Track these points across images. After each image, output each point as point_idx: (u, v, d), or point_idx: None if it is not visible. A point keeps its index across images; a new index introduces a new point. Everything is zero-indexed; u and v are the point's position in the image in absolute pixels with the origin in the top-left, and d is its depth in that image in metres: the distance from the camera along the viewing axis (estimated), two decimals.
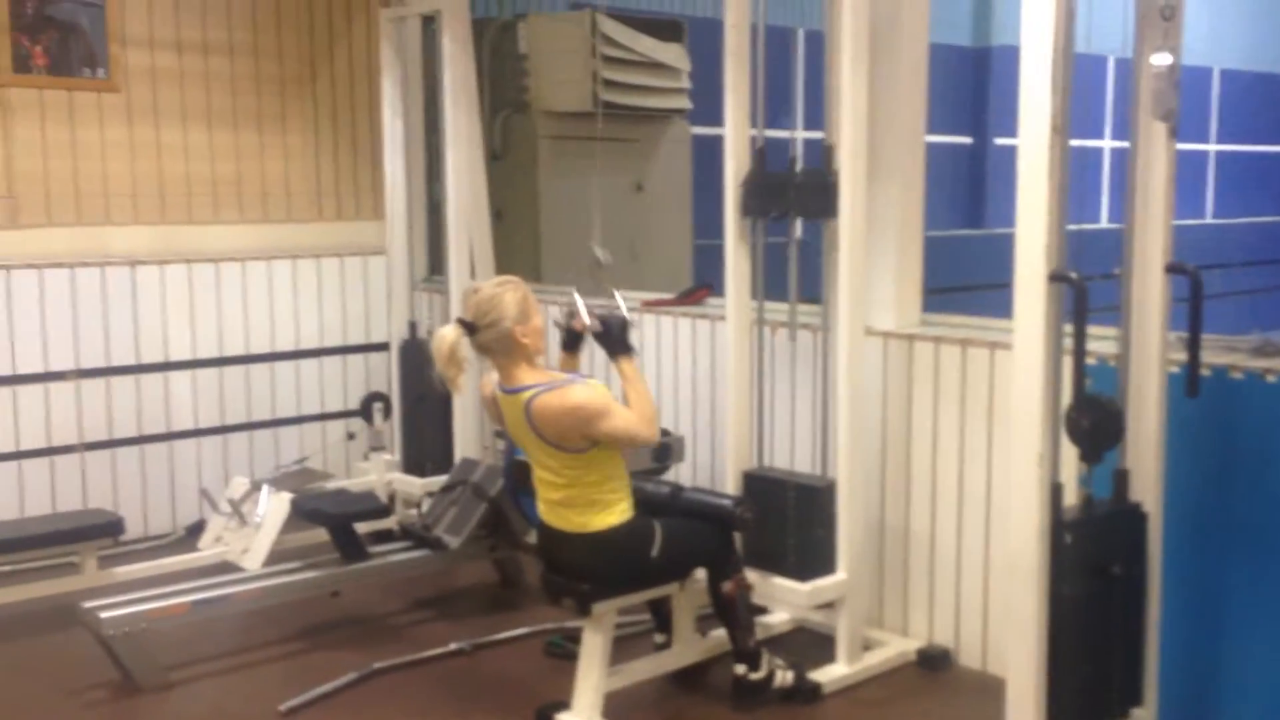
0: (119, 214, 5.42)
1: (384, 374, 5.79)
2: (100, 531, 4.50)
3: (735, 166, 3.94)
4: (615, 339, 3.55)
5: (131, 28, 5.36)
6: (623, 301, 3.71)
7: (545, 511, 3.53)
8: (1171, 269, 2.92)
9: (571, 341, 3.67)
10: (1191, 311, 2.91)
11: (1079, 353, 2.77)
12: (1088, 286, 2.71)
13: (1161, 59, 2.82)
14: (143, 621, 3.87)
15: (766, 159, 3.93)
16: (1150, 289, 2.94)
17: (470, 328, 3.38)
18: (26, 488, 5.13)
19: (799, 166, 3.89)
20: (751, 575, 3.77)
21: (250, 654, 4.17)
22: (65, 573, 4.50)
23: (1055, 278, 2.69)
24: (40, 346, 5.12)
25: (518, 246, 5.93)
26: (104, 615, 3.82)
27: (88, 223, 5.34)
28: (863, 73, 3.69)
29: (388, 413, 5.46)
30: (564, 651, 4.05)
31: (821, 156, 3.82)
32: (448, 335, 3.36)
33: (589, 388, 3.37)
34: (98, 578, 4.43)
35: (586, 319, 3.59)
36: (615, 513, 3.45)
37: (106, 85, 5.34)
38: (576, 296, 3.68)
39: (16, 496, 5.10)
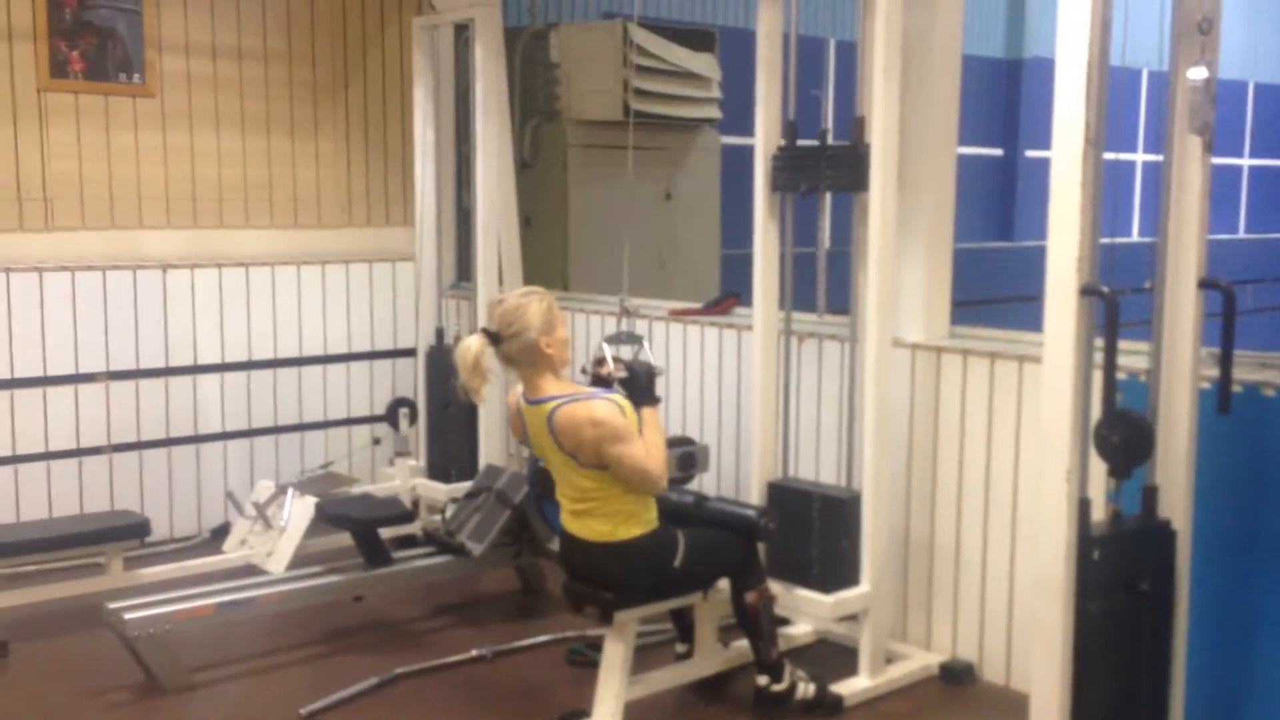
0: (152, 218, 5.47)
1: (410, 380, 5.81)
2: (126, 533, 4.52)
3: (765, 175, 3.93)
4: (641, 388, 3.55)
5: (167, 33, 5.41)
6: (649, 350, 3.76)
7: (569, 520, 3.53)
8: (1204, 284, 2.89)
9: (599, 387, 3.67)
10: (1225, 326, 2.88)
11: (1110, 367, 2.74)
12: (1119, 301, 2.69)
13: (1198, 73, 2.80)
14: (167, 623, 3.88)
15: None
16: (1183, 303, 2.91)
17: (495, 338, 3.38)
18: (55, 488, 5.17)
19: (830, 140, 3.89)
20: (775, 586, 3.76)
21: (273, 657, 4.18)
22: (91, 573, 4.53)
23: (1087, 291, 2.67)
24: (71, 348, 5.17)
25: (546, 254, 5.94)
26: (129, 616, 3.84)
27: (121, 226, 5.39)
28: (895, 83, 3.68)
29: (413, 419, 5.47)
30: (585, 659, 4.05)
31: (850, 129, 3.82)
32: (472, 345, 3.36)
33: (614, 405, 3.35)
34: (123, 579, 4.46)
35: (612, 365, 3.60)
36: (639, 523, 3.44)
37: (142, 90, 5.39)
38: (605, 346, 3.73)
39: (45, 497, 5.14)
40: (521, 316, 3.36)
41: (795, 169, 3.89)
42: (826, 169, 3.84)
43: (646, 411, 3.49)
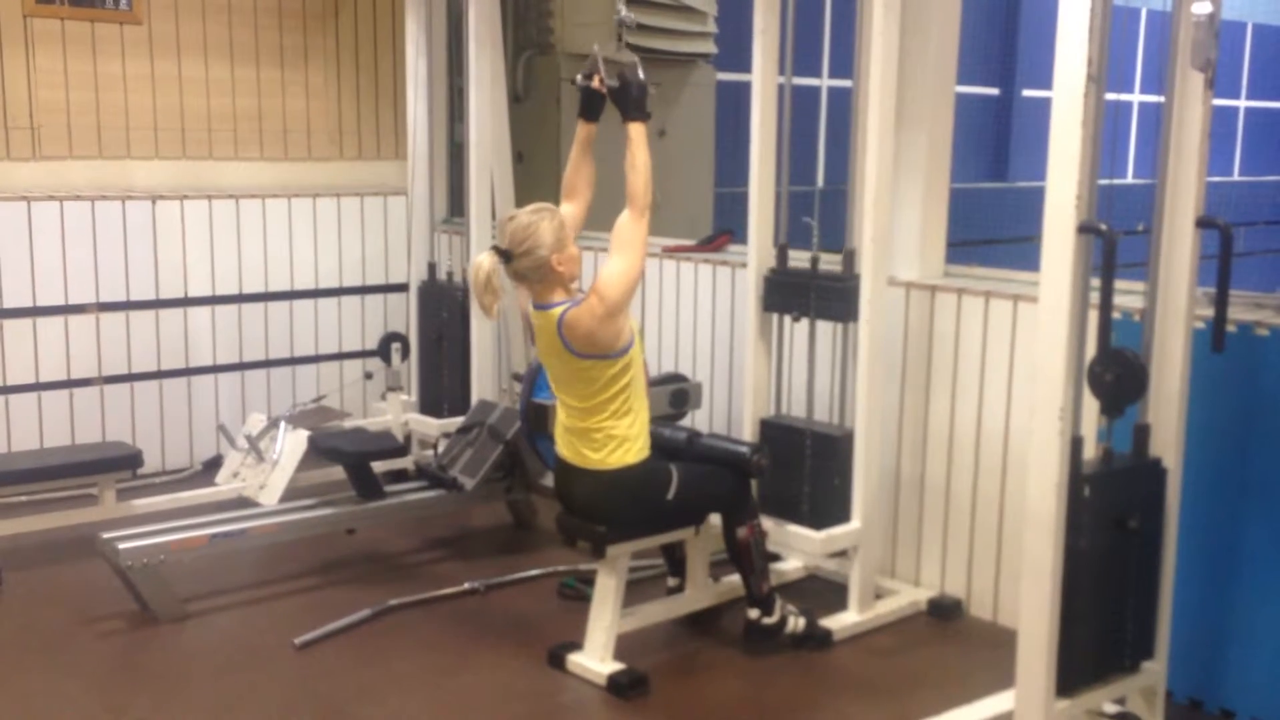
0: (140, 148, 5.41)
1: (402, 315, 5.79)
2: (119, 464, 4.53)
3: (762, 114, 3.90)
4: (632, 99, 3.50)
5: None
6: (643, 72, 3.58)
7: (562, 446, 3.53)
8: (1202, 223, 2.88)
9: (590, 105, 3.58)
10: (1221, 266, 2.88)
11: (1106, 306, 2.74)
12: (1117, 239, 2.68)
13: (1202, 7, 2.77)
14: (160, 554, 3.90)
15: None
16: (1180, 243, 2.90)
17: (506, 255, 3.36)
18: (46, 419, 5.16)
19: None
20: (766, 522, 3.78)
21: (266, 588, 4.21)
22: (83, 504, 4.54)
23: (1085, 229, 2.65)
24: (60, 279, 5.13)
25: (539, 189, 5.88)
26: (122, 547, 3.86)
27: (109, 156, 5.34)
28: (894, 18, 3.64)
29: (405, 353, 5.46)
30: (576, 593, 4.08)
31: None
32: (484, 263, 3.34)
33: (603, 277, 3.34)
34: (115, 510, 4.47)
35: (605, 74, 3.50)
36: (632, 451, 3.45)
37: (129, 17, 5.31)
38: (596, 50, 3.57)
39: (36, 428, 5.14)
40: (534, 234, 3.34)
41: (787, 293, 3.94)
42: (816, 298, 3.89)
43: (634, 127, 3.47)
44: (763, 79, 3.89)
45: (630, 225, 3.42)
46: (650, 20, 6.01)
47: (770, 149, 3.94)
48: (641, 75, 3.55)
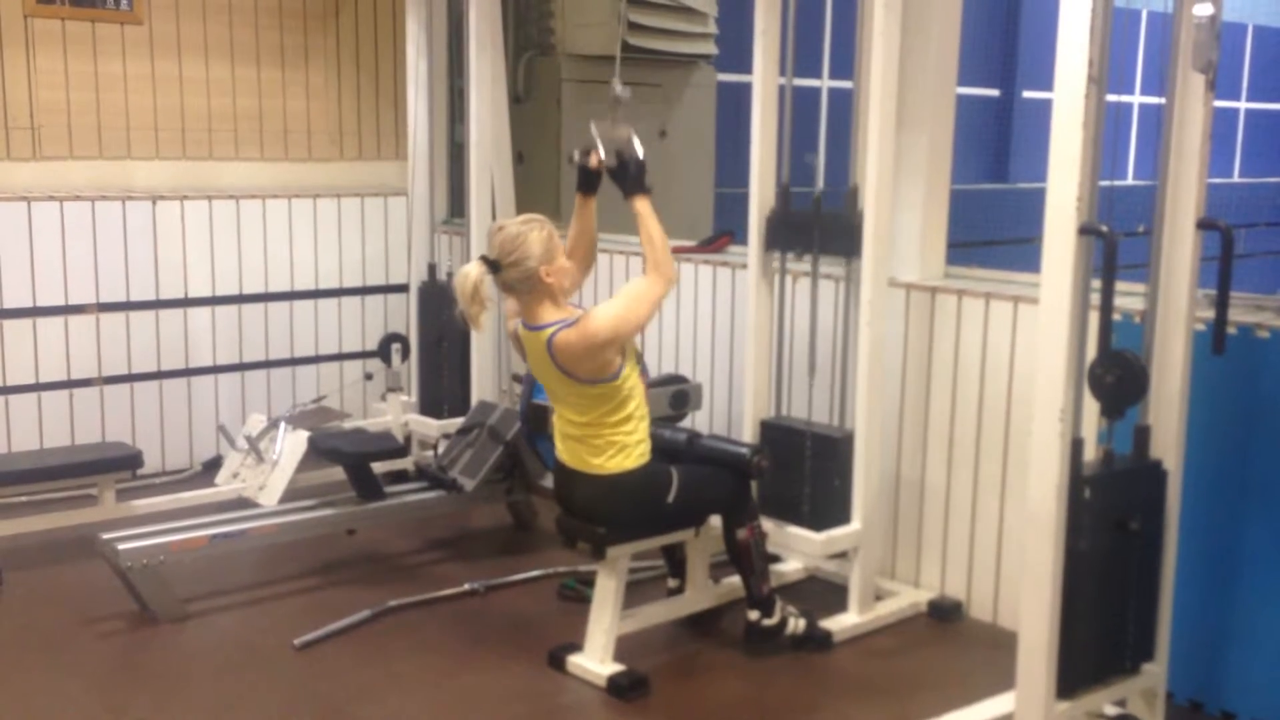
0: (140, 148, 5.41)
1: (403, 315, 5.79)
2: (119, 464, 4.52)
3: (763, 115, 3.90)
4: (632, 177, 3.48)
5: None
6: (639, 143, 3.56)
7: (562, 451, 3.53)
8: (1203, 224, 2.88)
9: (587, 182, 3.57)
10: (1222, 267, 2.87)
11: (1106, 307, 2.74)
12: (1117, 241, 2.68)
13: (1203, 9, 2.76)
14: (160, 554, 3.90)
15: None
16: (1180, 244, 2.90)
17: (494, 266, 3.35)
18: (46, 420, 5.16)
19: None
20: (766, 523, 3.78)
21: (266, 589, 4.21)
22: (83, 504, 4.54)
23: (1086, 230, 2.65)
24: (60, 279, 5.13)
25: (539, 190, 5.90)
26: (122, 547, 3.85)
27: (109, 156, 5.34)
28: (895, 19, 3.64)
29: (406, 354, 5.46)
30: (576, 594, 4.08)
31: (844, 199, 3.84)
32: (471, 273, 3.33)
33: (597, 311, 3.34)
34: (115, 510, 4.47)
35: (603, 154, 3.49)
36: (632, 456, 3.45)
37: (129, 17, 5.31)
38: (594, 130, 3.55)
39: (36, 428, 5.14)
40: (522, 245, 3.33)
41: (789, 232, 3.91)
42: (820, 235, 3.86)
43: (640, 202, 3.46)
44: (763, 80, 3.89)
45: (644, 282, 3.40)
46: (651, 21, 6.01)
47: (771, 150, 3.93)
48: (638, 148, 3.53)
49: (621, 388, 3.40)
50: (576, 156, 3.56)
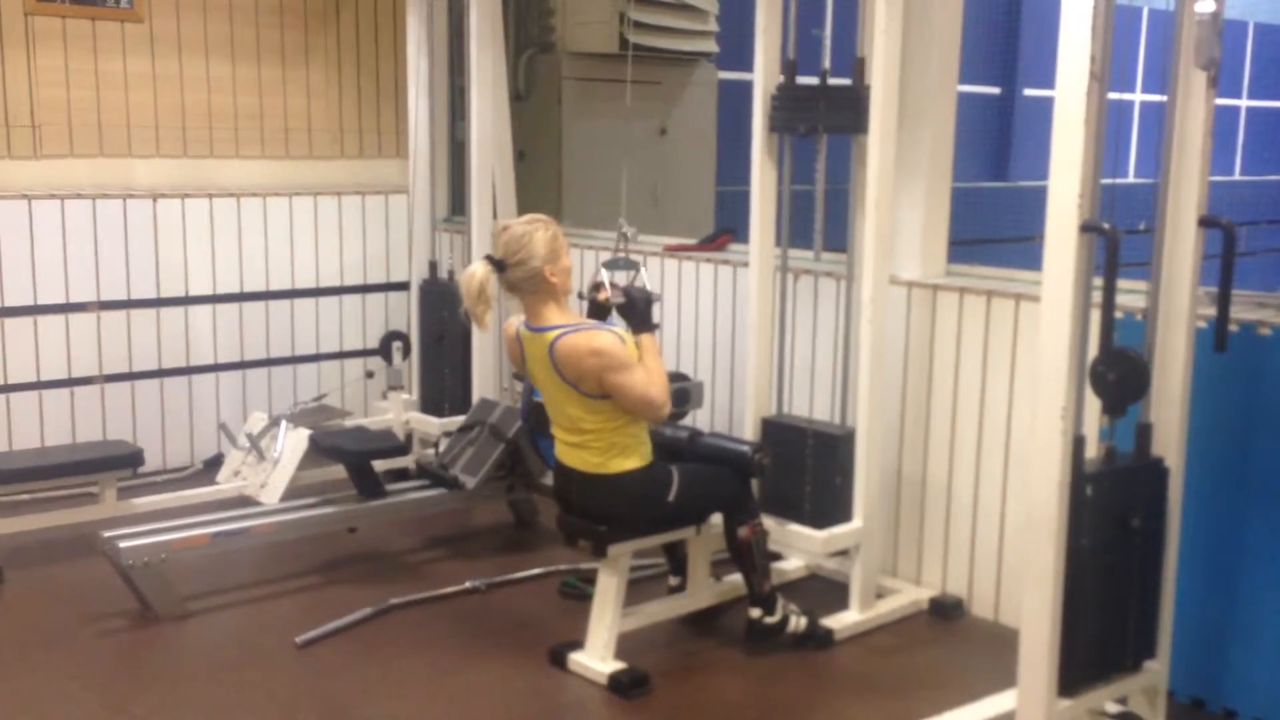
0: (141, 146, 5.41)
1: (404, 313, 5.78)
2: (120, 463, 4.52)
3: (763, 114, 3.89)
4: (639, 314, 3.53)
5: None
6: (646, 277, 3.70)
7: (563, 452, 3.53)
8: (1205, 222, 2.88)
9: (597, 314, 3.64)
10: (1223, 265, 2.87)
11: (1108, 305, 2.74)
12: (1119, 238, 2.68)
13: (1205, 6, 2.76)
14: (162, 552, 3.90)
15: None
16: (1182, 242, 2.90)
17: (499, 265, 3.36)
18: (47, 418, 5.16)
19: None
20: (768, 521, 3.78)
21: (267, 587, 4.21)
22: (84, 502, 4.54)
23: (1087, 228, 2.65)
24: (61, 277, 5.13)
25: (540, 188, 5.90)
26: (123, 545, 3.85)
27: (110, 154, 5.33)
28: (896, 16, 3.63)
29: (407, 352, 5.46)
30: (577, 592, 4.08)
31: (851, 69, 3.77)
32: (477, 272, 3.34)
33: (614, 336, 3.36)
34: (117, 508, 4.46)
35: (611, 292, 3.57)
36: (633, 457, 3.45)
37: (130, 15, 5.30)
38: (603, 271, 3.69)
39: (37, 426, 5.13)
40: (527, 244, 3.34)
41: (794, 109, 3.84)
42: (825, 109, 3.79)
43: (645, 338, 3.48)
44: (765, 78, 3.88)
45: (651, 384, 3.37)
46: (652, 19, 6.01)
47: (772, 148, 3.93)
48: (645, 282, 3.65)
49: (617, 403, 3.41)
50: (586, 292, 3.68)
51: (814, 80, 3.85)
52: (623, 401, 3.36)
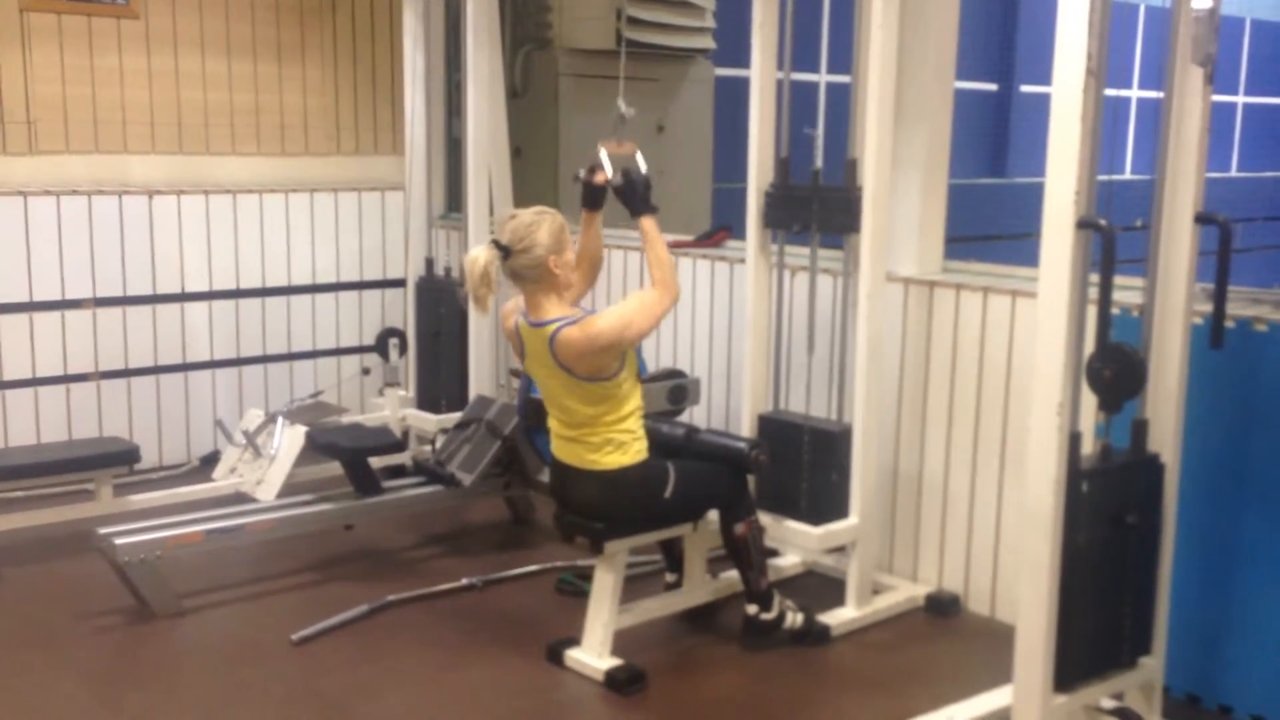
0: (137, 142, 5.40)
1: (400, 310, 5.78)
2: (116, 459, 4.51)
3: (761, 109, 3.89)
4: (638, 195, 3.51)
5: None
6: (644, 161, 3.58)
7: (559, 448, 3.53)
8: (1201, 218, 2.88)
9: (592, 198, 3.58)
10: (1220, 262, 2.87)
11: (1105, 301, 2.74)
12: (1116, 234, 2.68)
13: (1202, 2, 2.76)
14: (158, 549, 3.89)
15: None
16: (1179, 238, 2.90)
17: (505, 251, 3.36)
18: (42, 414, 5.15)
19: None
20: (764, 517, 3.78)
21: (263, 584, 4.20)
22: (80, 499, 4.53)
23: (1084, 224, 2.65)
24: (57, 274, 5.12)
25: (536, 185, 5.89)
26: (119, 542, 3.85)
27: (105, 150, 5.32)
28: (893, 13, 3.63)
29: (403, 349, 5.45)
30: (574, 589, 4.08)
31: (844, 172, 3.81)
32: (481, 256, 3.34)
33: (603, 314, 3.37)
34: (113, 505, 4.46)
35: (610, 172, 3.50)
36: (629, 453, 3.45)
37: (125, 11, 5.29)
38: (601, 150, 3.57)
39: (33, 423, 5.13)
40: (533, 233, 3.34)
41: (788, 207, 3.89)
42: (818, 209, 3.85)
43: (646, 221, 3.48)
44: (761, 74, 3.88)
45: (652, 295, 3.43)
46: (649, 15, 6.00)
47: (769, 144, 3.93)
48: (642, 165, 3.55)
49: (620, 388, 3.41)
50: (582, 174, 3.57)
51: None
52: (650, 321, 3.38)
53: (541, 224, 3.36)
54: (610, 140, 3.65)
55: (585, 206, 3.62)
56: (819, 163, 3.88)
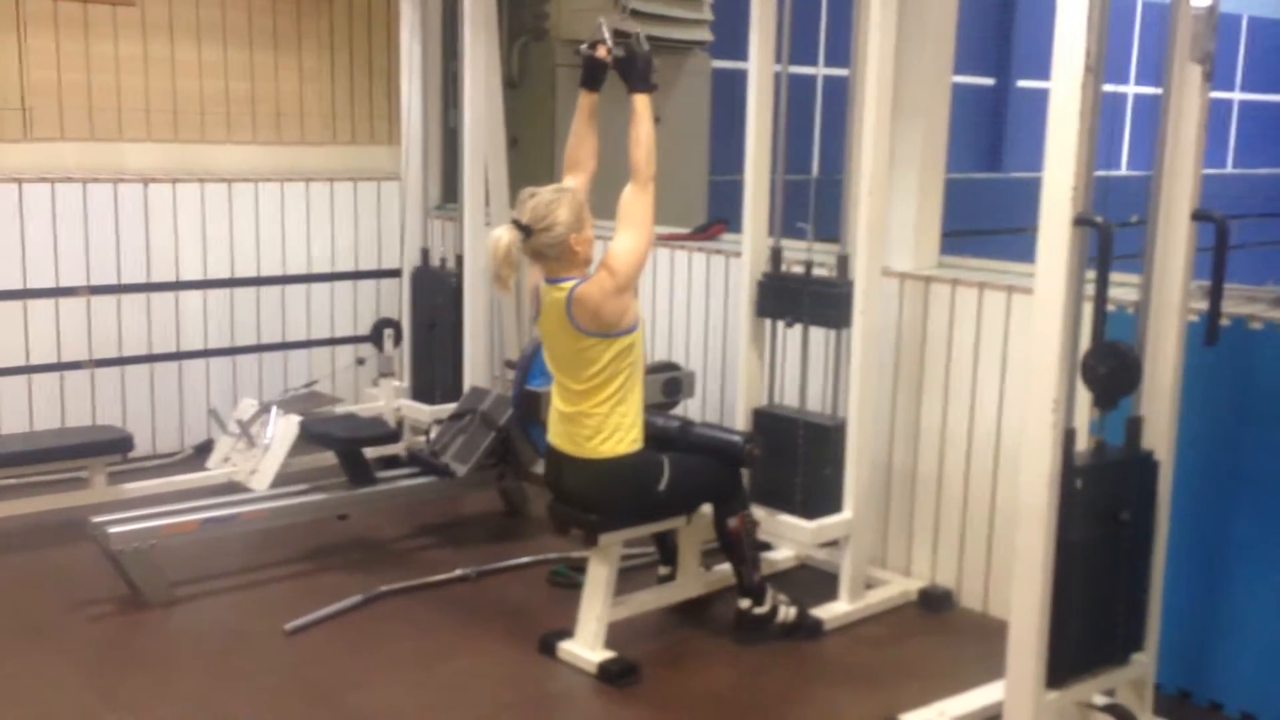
0: (132, 130, 5.38)
1: (395, 301, 5.77)
2: (110, 448, 4.51)
3: (758, 102, 3.89)
4: (638, 71, 3.49)
5: None
6: (645, 41, 3.54)
7: (554, 433, 3.53)
8: (1197, 216, 2.88)
9: (592, 75, 3.55)
10: (1216, 260, 2.87)
11: (1100, 298, 2.74)
12: (1112, 231, 2.68)
13: (1202, 0, 2.76)
14: (151, 538, 3.89)
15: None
16: (1175, 236, 2.90)
17: (526, 230, 3.35)
18: (36, 402, 5.14)
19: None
20: (758, 511, 3.78)
21: (256, 573, 4.20)
22: (73, 487, 4.52)
23: (1081, 221, 2.65)
24: (51, 261, 5.11)
25: (533, 176, 5.86)
26: (112, 531, 3.84)
27: (100, 138, 5.31)
28: (891, 6, 3.63)
29: (398, 339, 5.45)
30: (567, 581, 4.08)
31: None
32: (504, 236, 3.33)
33: (611, 252, 3.37)
34: (106, 493, 4.46)
35: (611, 45, 3.47)
36: (625, 442, 3.44)
37: None
38: (603, 25, 3.53)
39: (26, 410, 5.12)
40: (554, 211, 3.33)
41: (780, 297, 3.94)
42: (809, 303, 3.89)
43: (640, 99, 3.47)
44: (759, 67, 3.88)
45: (636, 199, 3.43)
46: (647, 7, 5.99)
47: (766, 137, 3.93)
48: (645, 46, 3.51)
49: (631, 350, 3.40)
50: (584, 48, 3.53)
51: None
52: (650, 223, 3.42)
53: (561, 201, 3.35)
54: (614, 15, 3.59)
55: (584, 85, 3.58)
56: (811, 255, 3.93)
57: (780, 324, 4.08)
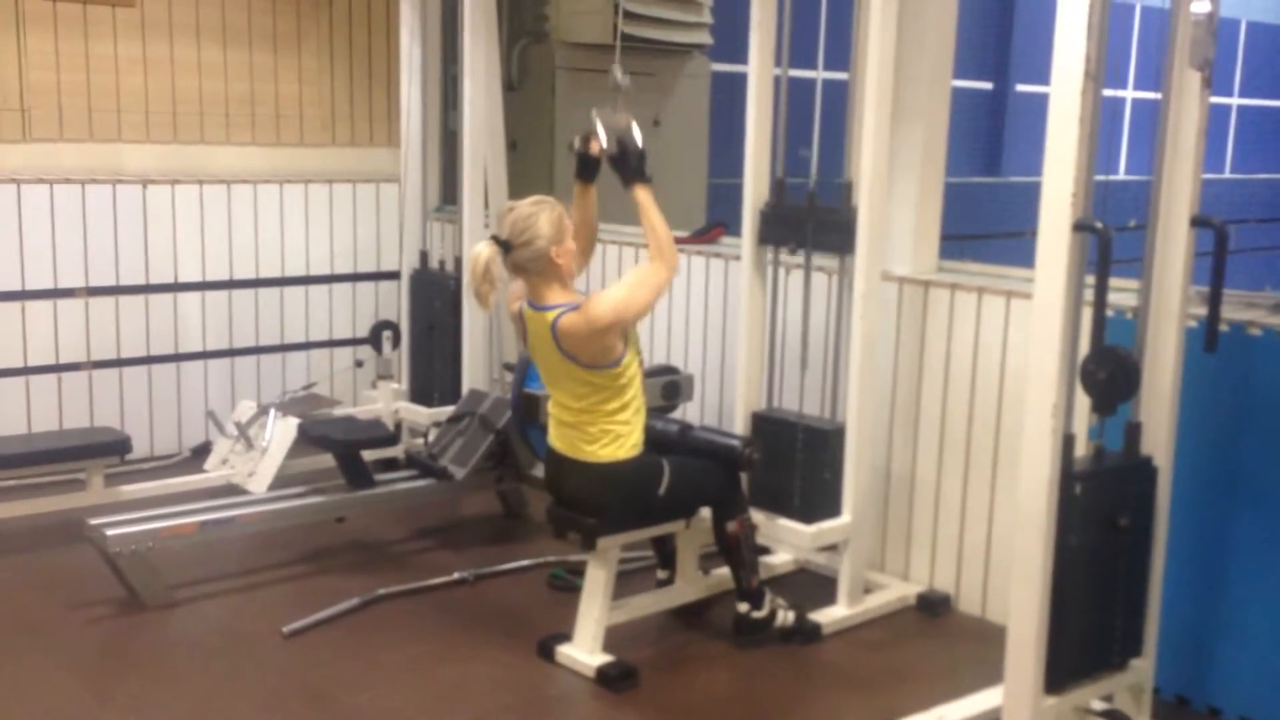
0: (131, 131, 5.38)
1: (394, 302, 5.77)
2: (107, 449, 4.51)
3: (758, 105, 3.89)
4: (632, 166, 3.48)
5: None
6: (638, 132, 3.53)
7: (556, 437, 3.53)
8: (1197, 221, 2.88)
9: (586, 169, 3.55)
10: (1215, 266, 2.88)
11: (1100, 303, 2.74)
12: (1112, 236, 2.68)
13: (1201, 6, 2.76)
14: (149, 540, 3.88)
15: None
16: (1174, 241, 2.90)
17: (505, 246, 3.34)
18: (33, 403, 5.13)
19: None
20: (757, 515, 3.78)
21: (254, 576, 4.20)
22: (71, 489, 4.52)
23: (1080, 226, 2.65)
24: (50, 262, 5.10)
25: (532, 179, 5.88)
26: (110, 533, 3.84)
27: (99, 139, 5.30)
28: (891, 11, 3.63)
29: (396, 342, 5.45)
30: (566, 584, 4.07)
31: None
32: (483, 252, 3.32)
33: (600, 295, 3.36)
34: (104, 495, 4.45)
35: (604, 142, 3.47)
36: (625, 446, 3.44)
37: None
38: (595, 118, 3.53)
39: (24, 412, 5.11)
40: (533, 224, 3.32)
41: (783, 225, 3.89)
42: (813, 229, 3.84)
43: (640, 191, 3.45)
44: (758, 70, 3.88)
45: (649, 269, 3.42)
46: (646, 10, 5.99)
47: (765, 141, 3.92)
48: (637, 136, 3.51)
49: (622, 375, 3.40)
50: (576, 144, 3.53)
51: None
52: (650, 296, 3.38)
53: (540, 214, 3.34)
54: (606, 109, 3.59)
55: (579, 178, 3.58)
56: (814, 179, 3.87)
57: (780, 318, 4.08)
